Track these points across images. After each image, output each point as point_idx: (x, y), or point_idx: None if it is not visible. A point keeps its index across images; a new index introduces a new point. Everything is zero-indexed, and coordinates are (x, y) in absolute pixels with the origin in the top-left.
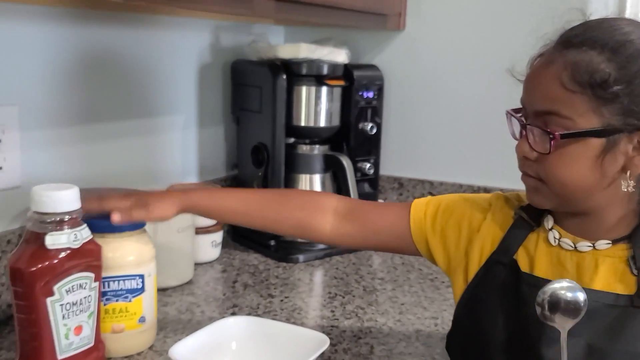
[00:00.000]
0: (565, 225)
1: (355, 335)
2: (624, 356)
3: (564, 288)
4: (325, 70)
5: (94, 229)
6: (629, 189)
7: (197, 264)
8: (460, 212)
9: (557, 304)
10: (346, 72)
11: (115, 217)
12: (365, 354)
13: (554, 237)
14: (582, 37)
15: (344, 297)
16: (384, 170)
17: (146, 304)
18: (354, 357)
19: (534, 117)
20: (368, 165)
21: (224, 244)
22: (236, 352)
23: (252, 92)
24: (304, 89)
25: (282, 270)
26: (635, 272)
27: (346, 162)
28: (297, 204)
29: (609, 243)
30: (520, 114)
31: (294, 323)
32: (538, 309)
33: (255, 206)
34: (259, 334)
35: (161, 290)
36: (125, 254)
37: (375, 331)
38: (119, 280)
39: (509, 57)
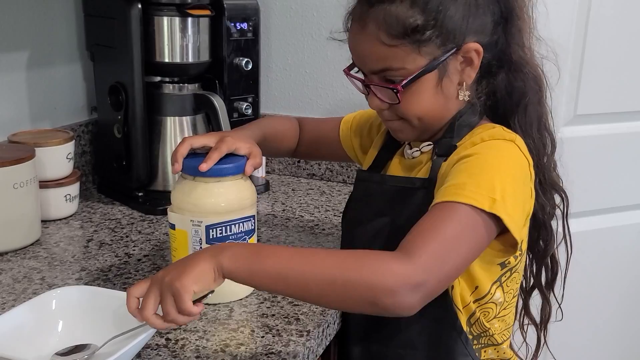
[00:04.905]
0: None
1: None
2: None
3: None
4: None
5: (217, 174)
6: (465, 98)
7: (49, 222)
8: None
9: None
10: None
11: (250, 169)
12: (223, 318)
13: (409, 152)
14: None
15: None
16: (267, 110)
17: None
18: (209, 322)
19: (372, 75)
20: (245, 105)
21: (87, 197)
22: (62, 332)
23: (105, 24)
24: (164, 20)
25: (148, 224)
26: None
27: (217, 101)
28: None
29: (430, 144)
30: (356, 71)
31: None
32: None
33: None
34: (92, 306)
35: None
36: (243, 196)
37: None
38: (238, 223)
39: None
